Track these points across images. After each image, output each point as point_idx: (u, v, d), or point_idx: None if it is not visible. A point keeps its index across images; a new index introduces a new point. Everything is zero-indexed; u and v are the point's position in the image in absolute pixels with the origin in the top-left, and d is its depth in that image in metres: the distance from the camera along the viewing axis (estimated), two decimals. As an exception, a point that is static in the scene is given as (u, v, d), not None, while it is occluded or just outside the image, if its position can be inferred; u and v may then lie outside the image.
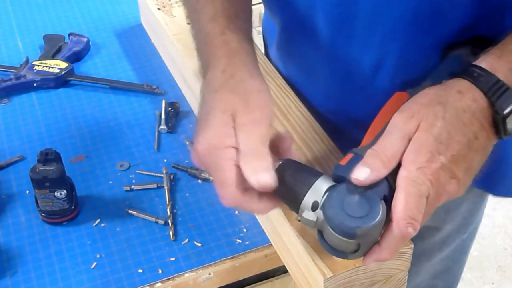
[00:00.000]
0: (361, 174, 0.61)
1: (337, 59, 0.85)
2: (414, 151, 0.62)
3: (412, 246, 0.74)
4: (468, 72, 0.66)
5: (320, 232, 0.64)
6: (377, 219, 0.60)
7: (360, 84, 0.85)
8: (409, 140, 0.62)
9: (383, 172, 0.61)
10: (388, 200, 0.61)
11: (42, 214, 0.89)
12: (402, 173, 0.61)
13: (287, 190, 0.65)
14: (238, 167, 0.65)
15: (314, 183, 0.64)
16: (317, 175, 0.65)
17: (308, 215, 0.63)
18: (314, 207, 0.63)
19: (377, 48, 0.80)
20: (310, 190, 0.63)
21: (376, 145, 0.63)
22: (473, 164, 0.65)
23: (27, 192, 0.94)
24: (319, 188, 0.63)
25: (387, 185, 0.62)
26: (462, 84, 0.66)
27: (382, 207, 0.61)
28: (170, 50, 1.11)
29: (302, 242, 0.74)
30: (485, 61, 0.67)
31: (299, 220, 0.65)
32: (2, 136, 1.04)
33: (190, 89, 1.05)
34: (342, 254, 0.63)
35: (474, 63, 0.67)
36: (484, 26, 0.74)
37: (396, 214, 0.60)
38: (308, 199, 0.63)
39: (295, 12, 0.84)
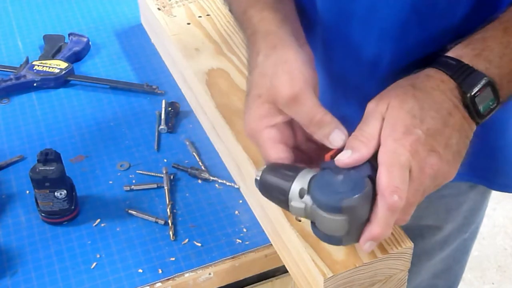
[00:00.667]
0: (344, 155, 0.63)
1: (333, 59, 0.85)
2: (389, 126, 0.64)
3: (412, 246, 0.74)
4: (435, 61, 0.69)
5: (313, 223, 0.65)
6: (363, 191, 0.61)
7: (356, 83, 0.85)
8: (383, 119, 0.65)
9: (364, 151, 0.63)
10: (373, 180, 0.62)
11: (42, 214, 0.89)
12: (381, 149, 0.63)
13: (274, 188, 0.66)
14: (281, 144, 0.69)
15: (298, 174, 0.65)
16: (301, 168, 0.66)
17: (296, 203, 0.64)
18: (301, 194, 0.64)
19: (374, 45, 0.80)
20: (295, 180, 0.65)
21: (354, 131, 0.65)
22: (452, 142, 0.66)
23: (27, 192, 0.94)
24: (304, 177, 0.65)
25: (371, 166, 0.63)
26: (429, 70, 0.69)
27: (367, 183, 0.62)
28: (170, 50, 1.11)
29: (302, 242, 0.74)
30: (452, 51, 0.70)
31: (299, 220, 0.66)
32: (2, 136, 1.04)
33: (190, 89, 1.05)
34: (336, 239, 0.64)
35: (444, 54, 0.70)
36: (478, 20, 0.75)
37: (380, 186, 0.61)
38: (295, 188, 0.65)
39: None
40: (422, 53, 0.77)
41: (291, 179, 0.65)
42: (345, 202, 0.61)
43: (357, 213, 0.62)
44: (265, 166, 0.68)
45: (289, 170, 0.66)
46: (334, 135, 0.66)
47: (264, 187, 0.68)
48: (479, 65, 0.68)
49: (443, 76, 0.68)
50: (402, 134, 0.63)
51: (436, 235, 1.06)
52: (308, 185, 0.64)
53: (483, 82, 0.67)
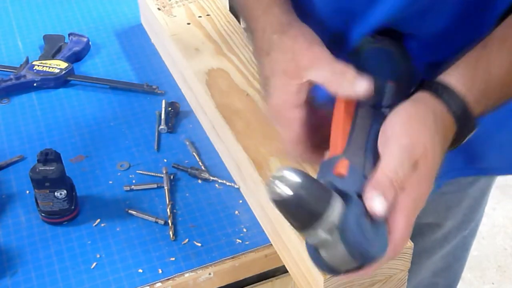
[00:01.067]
0: (379, 207, 0.61)
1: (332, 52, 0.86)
2: (420, 177, 0.64)
3: (412, 246, 0.74)
4: (446, 96, 0.68)
5: (315, 249, 0.62)
6: (387, 249, 0.61)
7: None
8: (414, 165, 0.64)
9: (393, 198, 0.62)
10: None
11: (42, 214, 0.89)
12: (407, 202, 0.63)
13: (304, 210, 0.59)
14: (302, 125, 0.71)
15: (330, 201, 0.60)
16: (330, 192, 0.61)
17: (323, 233, 0.60)
18: (330, 227, 0.60)
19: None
20: (329, 208, 0.59)
21: (387, 169, 0.63)
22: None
23: (27, 192, 0.94)
24: (335, 207, 0.60)
25: None
26: (441, 110, 0.68)
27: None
28: (170, 50, 1.11)
29: (302, 242, 0.74)
30: (461, 85, 0.69)
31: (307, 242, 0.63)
32: (2, 136, 1.04)
33: (190, 89, 1.05)
34: (335, 271, 0.62)
35: (451, 83, 0.69)
36: (468, 22, 0.75)
37: (396, 242, 0.62)
38: (328, 218, 0.59)
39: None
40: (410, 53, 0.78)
41: (326, 206, 0.59)
42: (372, 256, 0.60)
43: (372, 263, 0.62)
44: (292, 175, 0.59)
45: (322, 193, 0.60)
46: (359, 84, 0.68)
47: (291, 204, 0.59)
48: (476, 112, 0.69)
49: (453, 125, 0.68)
50: (426, 186, 0.64)
51: (436, 233, 1.06)
52: (339, 220, 0.60)
53: (473, 132, 0.70)
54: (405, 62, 0.78)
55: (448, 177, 0.94)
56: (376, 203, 0.61)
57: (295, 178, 0.58)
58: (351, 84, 0.68)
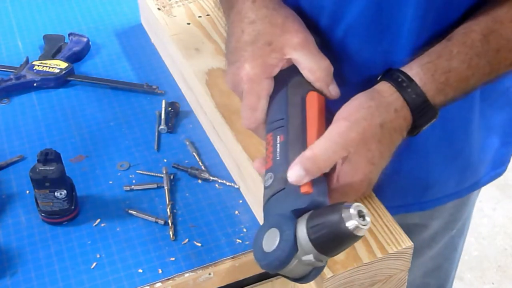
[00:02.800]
0: (296, 174, 0.66)
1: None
2: (350, 173, 0.68)
3: (412, 245, 0.74)
4: (403, 87, 0.71)
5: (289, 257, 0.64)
6: None
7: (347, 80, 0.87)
8: (346, 150, 0.67)
9: (317, 175, 0.67)
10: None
11: (42, 214, 0.89)
12: (340, 189, 0.69)
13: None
14: (268, 96, 0.75)
15: None
16: None
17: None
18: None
19: (339, 42, 0.81)
20: None
21: (315, 147, 0.67)
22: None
23: (27, 192, 0.94)
24: None
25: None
26: (398, 102, 0.71)
27: None
28: (170, 50, 1.11)
29: (302, 242, 0.74)
30: (420, 78, 0.72)
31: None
32: (2, 136, 1.04)
33: (190, 89, 1.06)
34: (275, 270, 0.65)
35: (411, 75, 0.72)
36: (432, 23, 0.77)
37: None
38: None
39: None
40: (383, 54, 0.80)
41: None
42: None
43: None
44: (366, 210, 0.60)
45: None
46: (333, 88, 0.75)
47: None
48: (436, 101, 0.72)
49: (407, 113, 0.71)
50: (359, 183, 0.69)
51: (423, 233, 1.06)
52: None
53: (434, 120, 0.73)
54: None
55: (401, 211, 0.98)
56: (292, 172, 0.66)
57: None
58: (327, 86, 0.74)
